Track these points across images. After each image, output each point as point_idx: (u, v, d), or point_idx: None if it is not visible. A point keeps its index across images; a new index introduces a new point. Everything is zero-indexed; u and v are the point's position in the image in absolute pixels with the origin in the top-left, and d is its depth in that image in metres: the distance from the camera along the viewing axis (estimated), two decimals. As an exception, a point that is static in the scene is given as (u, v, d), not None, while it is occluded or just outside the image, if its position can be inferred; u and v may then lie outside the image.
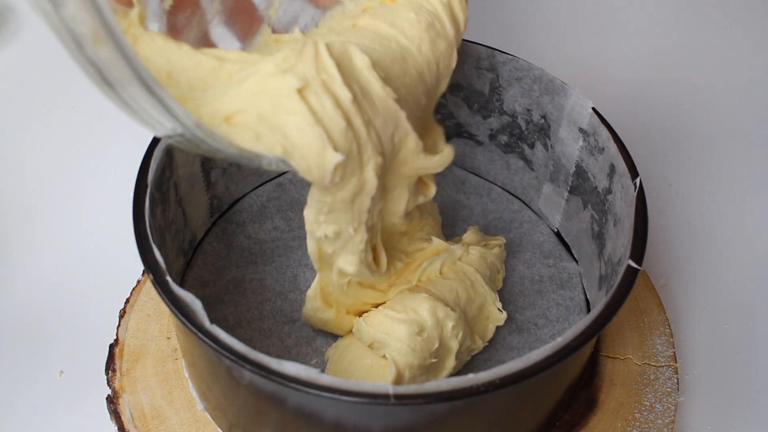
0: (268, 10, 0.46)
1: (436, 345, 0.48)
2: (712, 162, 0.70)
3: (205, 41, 0.44)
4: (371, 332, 0.48)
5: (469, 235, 0.56)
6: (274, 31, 0.46)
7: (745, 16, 0.85)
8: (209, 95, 0.37)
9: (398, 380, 0.46)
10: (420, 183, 0.47)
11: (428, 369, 0.48)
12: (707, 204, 0.67)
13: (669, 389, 0.51)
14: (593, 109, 0.51)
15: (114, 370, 0.51)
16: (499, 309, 0.52)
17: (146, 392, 0.50)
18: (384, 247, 0.48)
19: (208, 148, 0.35)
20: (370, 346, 0.49)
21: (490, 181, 0.63)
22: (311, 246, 0.46)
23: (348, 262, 0.46)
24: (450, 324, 0.48)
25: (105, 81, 0.30)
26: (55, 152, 0.68)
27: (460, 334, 0.49)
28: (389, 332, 0.48)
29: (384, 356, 0.49)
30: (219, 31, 0.45)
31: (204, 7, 0.44)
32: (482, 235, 0.56)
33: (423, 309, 0.48)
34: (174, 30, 0.41)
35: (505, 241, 0.56)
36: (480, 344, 0.52)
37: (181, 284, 0.54)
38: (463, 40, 0.55)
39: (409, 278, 0.51)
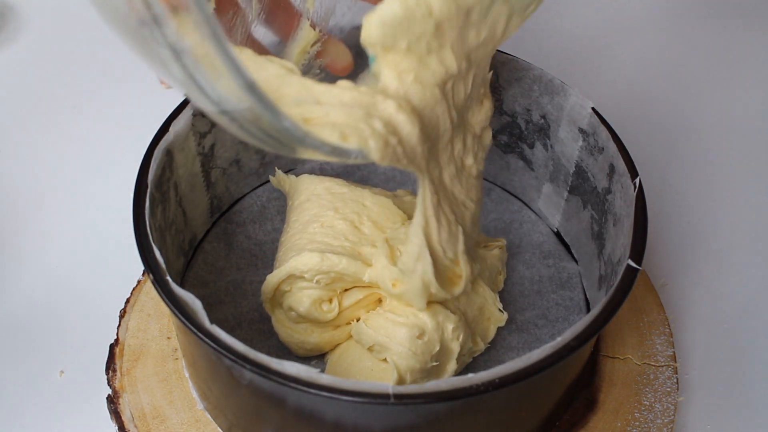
0: (304, 4, 0.46)
1: (437, 348, 0.48)
2: (712, 162, 0.70)
3: (250, 43, 0.44)
4: (372, 335, 0.48)
5: None
6: (312, 25, 0.46)
7: (745, 16, 0.85)
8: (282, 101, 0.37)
9: (400, 384, 0.46)
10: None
11: (430, 372, 0.48)
12: (707, 204, 0.67)
13: (669, 389, 0.51)
14: (593, 109, 0.51)
15: (114, 370, 0.51)
16: (499, 309, 0.52)
17: (146, 392, 0.50)
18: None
19: (277, 130, 0.33)
20: (370, 349, 0.49)
21: (490, 182, 0.63)
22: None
23: (297, 301, 0.49)
24: (450, 326, 0.48)
25: (175, 51, 0.29)
26: (55, 152, 0.68)
27: (461, 336, 0.49)
28: (390, 335, 0.48)
29: (384, 359, 0.49)
30: (260, 31, 0.45)
31: (244, 8, 0.44)
32: (483, 237, 0.56)
33: (423, 312, 0.48)
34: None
35: (505, 242, 0.56)
36: (481, 346, 0.52)
37: (181, 284, 0.54)
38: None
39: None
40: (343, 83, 0.38)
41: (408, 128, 0.38)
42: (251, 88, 0.30)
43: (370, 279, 0.49)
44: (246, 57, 0.39)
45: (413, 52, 0.38)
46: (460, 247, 0.49)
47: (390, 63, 0.39)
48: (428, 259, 0.45)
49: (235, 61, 0.28)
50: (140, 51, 0.30)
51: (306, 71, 0.47)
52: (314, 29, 0.47)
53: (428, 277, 0.45)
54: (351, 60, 0.47)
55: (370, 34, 0.37)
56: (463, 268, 0.49)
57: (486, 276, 0.53)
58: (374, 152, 0.36)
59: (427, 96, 0.40)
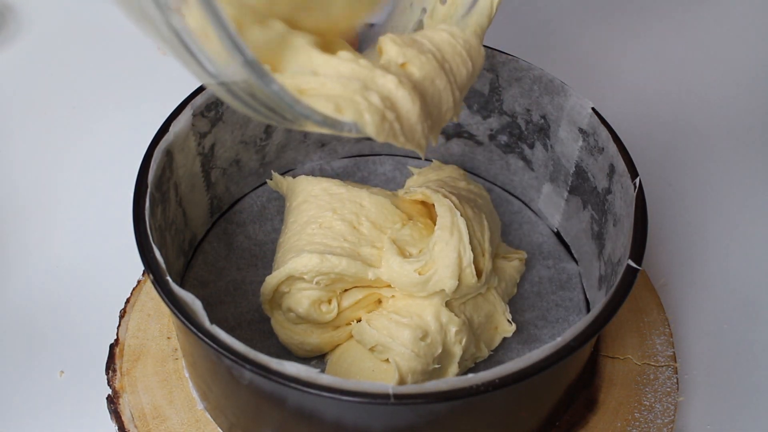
0: None
1: (440, 350, 0.48)
2: (712, 162, 0.70)
3: None
4: (374, 335, 0.48)
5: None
6: None
7: (745, 16, 0.85)
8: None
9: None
10: None
11: (431, 375, 0.48)
12: (707, 204, 0.67)
13: (669, 389, 0.51)
14: (593, 109, 0.51)
15: (114, 370, 0.51)
16: (509, 320, 0.52)
17: (146, 392, 0.50)
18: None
19: (268, 96, 0.33)
20: (372, 350, 0.49)
21: (490, 181, 0.63)
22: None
23: (296, 302, 0.49)
24: (453, 329, 0.48)
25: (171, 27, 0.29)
26: (55, 152, 0.68)
27: (464, 340, 0.49)
28: (393, 336, 0.48)
29: (386, 360, 0.49)
30: None
31: None
32: (504, 247, 0.56)
33: (427, 313, 0.48)
34: None
35: (525, 255, 0.56)
36: (485, 352, 0.52)
37: (181, 284, 0.54)
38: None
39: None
40: (344, 54, 0.38)
41: (408, 105, 0.37)
42: (237, 47, 0.29)
43: (375, 277, 0.49)
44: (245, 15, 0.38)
45: None
46: (486, 235, 0.50)
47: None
48: (464, 231, 0.47)
49: (233, 37, 0.28)
50: (134, 15, 0.30)
51: None
52: None
53: (465, 248, 0.47)
54: (355, 42, 0.46)
55: None
56: (486, 262, 0.49)
57: (502, 287, 0.53)
58: (369, 126, 0.36)
59: (426, 67, 0.39)
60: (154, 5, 0.28)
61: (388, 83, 0.37)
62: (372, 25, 0.46)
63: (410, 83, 0.38)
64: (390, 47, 0.39)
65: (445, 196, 0.51)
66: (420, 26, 0.46)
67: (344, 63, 0.37)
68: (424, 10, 0.46)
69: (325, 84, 0.36)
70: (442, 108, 0.41)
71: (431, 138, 0.40)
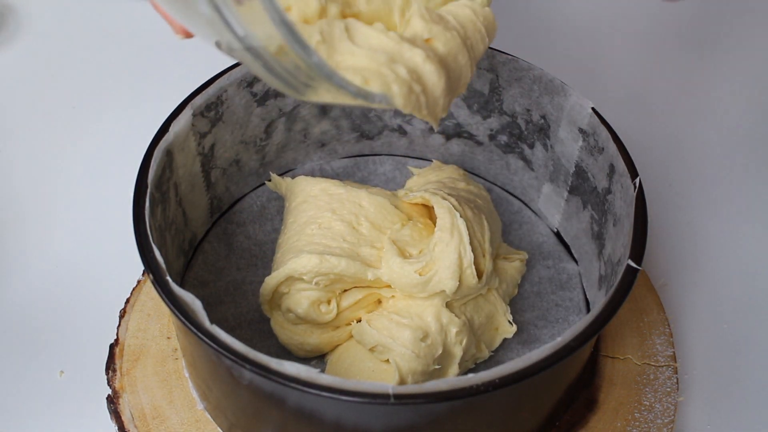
0: None
1: (440, 351, 0.48)
2: (712, 162, 0.70)
3: None
4: (375, 335, 0.48)
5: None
6: None
7: (744, 16, 0.85)
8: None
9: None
10: None
11: (431, 375, 0.48)
12: (707, 204, 0.67)
13: (669, 389, 0.51)
14: (593, 109, 0.51)
15: (114, 370, 0.51)
16: (509, 321, 0.52)
17: (146, 392, 0.50)
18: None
19: (305, 63, 0.32)
20: (372, 350, 0.49)
21: (490, 181, 0.63)
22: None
23: (296, 302, 0.49)
24: (454, 330, 0.48)
25: None
26: (55, 152, 0.68)
27: (464, 341, 0.49)
28: (394, 336, 0.48)
29: (386, 360, 0.49)
30: None
31: None
32: (505, 247, 0.56)
33: (428, 314, 0.48)
34: None
35: (527, 256, 0.56)
36: (486, 353, 0.52)
37: (181, 284, 0.54)
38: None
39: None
40: (378, 25, 0.38)
41: (434, 79, 0.38)
42: (284, 23, 0.29)
43: (375, 278, 0.49)
44: None
45: None
46: (487, 236, 0.50)
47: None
48: (464, 232, 0.47)
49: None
50: None
51: None
52: None
53: (465, 249, 0.46)
54: None
55: None
56: (487, 262, 0.49)
57: (503, 288, 0.53)
58: (398, 98, 0.36)
59: (451, 44, 0.40)
60: None
61: (416, 57, 0.37)
62: None
63: (436, 57, 0.38)
64: (417, 22, 0.40)
65: (444, 198, 0.51)
66: None
67: (374, 35, 0.37)
68: None
69: (355, 54, 0.36)
70: (461, 82, 0.41)
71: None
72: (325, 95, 0.35)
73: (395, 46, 0.37)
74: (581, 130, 0.53)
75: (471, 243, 0.48)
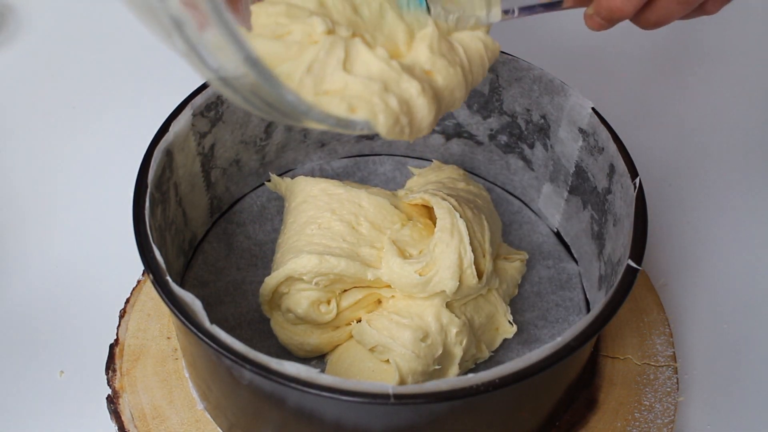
0: None
1: (440, 351, 0.48)
2: (712, 162, 0.70)
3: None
4: (375, 336, 0.48)
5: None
6: None
7: (744, 16, 0.85)
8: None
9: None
10: None
11: (431, 376, 0.48)
12: (707, 204, 0.67)
13: (669, 389, 0.51)
14: (593, 109, 0.51)
15: (114, 370, 0.51)
16: (509, 322, 0.52)
17: (146, 392, 0.50)
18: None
19: (278, 100, 0.33)
20: (372, 350, 0.49)
21: (490, 181, 0.63)
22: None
23: (296, 302, 0.50)
24: (454, 330, 0.48)
25: (176, 22, 0.29)
26: (55, 152, 0.68)
27: (465, 341, 0.49)
28: (394, 337, 0.48)
29: (386, 360, 0.49)
30: None
31: None
32: (505, 247, 0.56)
33: (428, 314, 0.48)
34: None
35: (527, 256, 0.56)
36: (486, 353, 0.52)
37: (181, 284, 0.54)
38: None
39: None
40: (381, 51, 0.38)
41: (424, 112, 0.38)
42: (252, 61, 0.29)
43: (374, 278, 0.49)
44: (267, 15, 0.38)
45: None
46: (487, 236, 0.50)
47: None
48: (465, 232, 0.47)
49: (235, 34, 0.28)
50: (144, 18, 0.30)
51: None
52: None
53: (465, 249, 0.47)
54: None
55: None
56: (487, 263, 0.49)
57: (503, 288, 0.53)
58: (381, 127, 0.36)
59: (451, 80, 0.40)
60: (165, 12, 0.28)
61: (411, 89, 0.37)
62: None
63: (431, 91, 0.39)
64: (424, 51, 0.39)
65: (444, 199, 0.51)
66: None
67: (374, 62, 0.37)
68: None
69: (349, 85, 0.36)
70: (451, 108, 0.41)
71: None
72: (308, 122, 0.35)
73: (393, 75, 0.37)
74: (581, 130, 0.53)
75: (471, 243, 0.48)
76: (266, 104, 0.33)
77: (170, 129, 0.49)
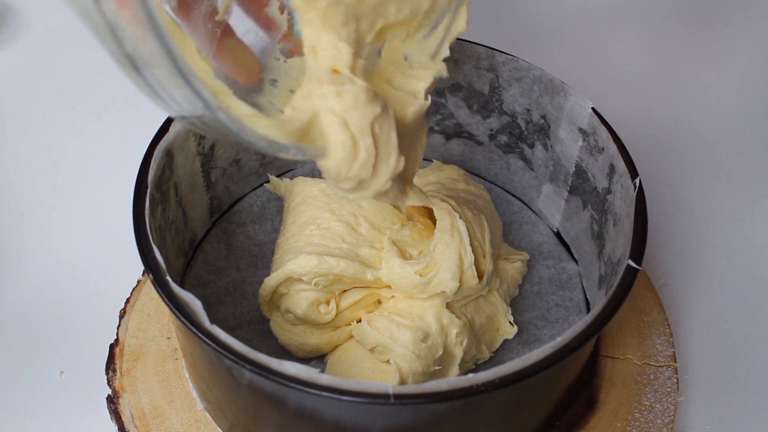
0: None
1: (440, 352, 0.48)
2: (712, 162, 0.70)
3: (215, 18, 0.43)
4: (375, 336, 0.48)
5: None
6: (281, 8, 0.45)
7: (744, 16, 0.85)
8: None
9: None
10: None
11: (432, 376, 0.48)
12: (707, 204, 0.67)
13: (669, 389, 0.51)
14: (593, 109, 0.51)
15: (114, 370, 0.51)
16: (510, 322, 0.52)
17: (146, 392, 0.50)
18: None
19: (224, 131, 0.34)
20: (372, 350, 0.49)
21: (490, 181, 0.63)
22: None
23: (295, 303, 0.50)
24: (455, 331, 0.48)
25: (131, 62, 0.29)
26: (55, 152, 0.68)
27: (465, 342, 0.49)
28: (394, 337, 0.48)
29: (386, 361, 0.49)
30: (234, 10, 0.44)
31: None
32: (506, 248, 0.56)
33: (428, 315, 0.48)
34: (185, 5, 0.40)
35: (528, 256, 0.56)
36: (486, 354, 0.52)
37: (181, 284, 0.54)
38: (463, 40, 0.55)
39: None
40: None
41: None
42: (186, 77, 0.30)
43: (374, 278, 0.49)
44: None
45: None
46: (487, 236, 0.50)
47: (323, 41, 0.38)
48: (465, 233, 0.47)
49: (174, 55, 0.29)
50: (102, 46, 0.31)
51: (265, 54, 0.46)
52: (282, 12, 0.46)
53: (466, 250, 0.47)
54: None
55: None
56: (487, 263, 0.49)
57: (504, 289, 0.53)
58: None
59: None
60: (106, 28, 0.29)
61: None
62: None
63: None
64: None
65: (443, 200, 0.51)
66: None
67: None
68: None
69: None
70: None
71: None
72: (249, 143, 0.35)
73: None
74: (581, 130, 0.53)
75: (471, 244, 0.48)
76: (206, 125, 0.33)
77: (170, 129, 0.49)
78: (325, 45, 0.37)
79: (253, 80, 0.43)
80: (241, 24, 0.43)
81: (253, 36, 0.44)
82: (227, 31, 0.42)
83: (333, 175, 0.38)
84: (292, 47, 0.46)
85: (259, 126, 0.35)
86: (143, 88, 0.31)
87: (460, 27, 0.42)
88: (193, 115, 0.32)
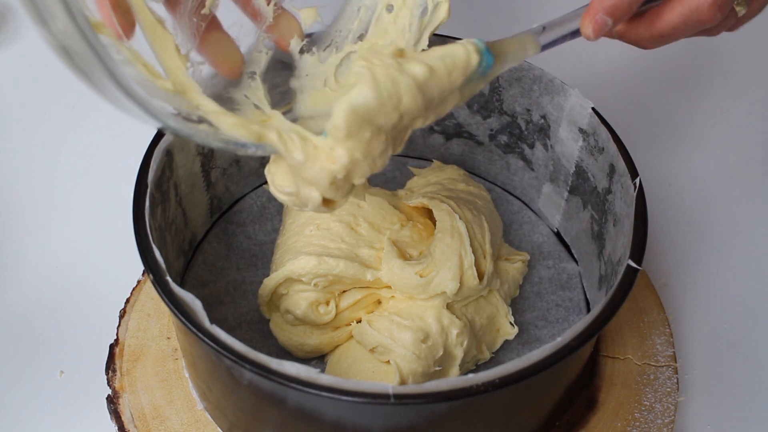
0: None
1: (441, 352, 0.48)
2: (713, 162, 0.70)
3: (202, 11, 0.43)
4: (376, 336, 0.48)
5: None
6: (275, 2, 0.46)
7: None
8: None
9: None
10: None
11: (432, 377, 0.48)
12: (707, 204, 0.67)
13: (669, 389, 0.51)
14: (593, 109, 0.51)
15: (114, 370, 0.51)
16: (511, 323, 0.52)
17: (146, 392, 0.50)
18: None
19: (191, 139, 0.36)
20: (372, 351, 0.49)
21: (490, 181, 0.63)
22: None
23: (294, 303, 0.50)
24: (455, 331, 0.48)
25: (94, 85, 0.31)
26: (55, 152, 0.68)
27: (465, 343, 0.49)
28: (394, 338, 0.47)
29: (387, 361, 0.49)
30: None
31: None
32: (507, 248, 0.56)
33: (428, 315, 0.48)
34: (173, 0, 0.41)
35: (528, 257, 0.56)
36: (487, 354, 0.52)
37: (181, 284, 0.54)
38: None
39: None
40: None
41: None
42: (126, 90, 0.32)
43: (374, 278, 0.49)
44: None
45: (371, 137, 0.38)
46: (487, 237, 0.50)
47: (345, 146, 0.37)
48: (465, 233, 0.47)
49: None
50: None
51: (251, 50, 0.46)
52: (268, 3, 0.46)
53: (466, 250, 0.47)
54: (302, 35, 0.46)
55: (338, 123, 0.35)
56: (488, 264, 0.49)
57: (504, 289, 0.53)
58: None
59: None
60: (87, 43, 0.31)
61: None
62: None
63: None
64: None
65: (443, 201, 0.51)
66: (366, 30, 0.46)
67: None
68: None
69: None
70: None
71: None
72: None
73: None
74: (581, 130, 0.53)
75: (471, 244, 0.48)
76: (177, 132, 0.35)
77: (170, 129, 0.49)
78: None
79: (236, 73, 0.44)
80: (226, 17, 0.44)
81: (237, 29, 0.44)
82: (213, 23, 0.43)
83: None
84: (277, 38, 0.46)
85: (224, 123, 0.36)
86: (119, 107, 0.33)
87: (441, 16, 0.43)
88: (165, 125, 0.34)
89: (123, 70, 0.31)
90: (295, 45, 0.45)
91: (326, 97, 0.44)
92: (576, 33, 0.41)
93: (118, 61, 0.31)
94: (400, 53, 0.37)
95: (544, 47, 0.41)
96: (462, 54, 0.37)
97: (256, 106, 0.42)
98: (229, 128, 0.36)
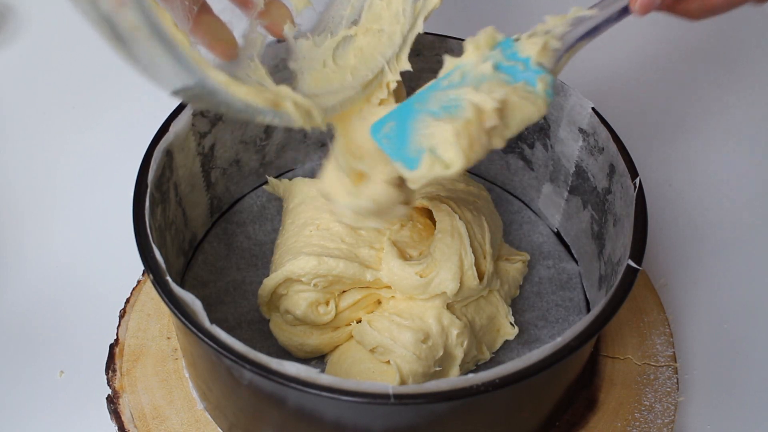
0: None
1: (441, 353, 0.48)
2: (712, 162, 0.70)
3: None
4: (376, 336, 0.48)
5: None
6: None
7: (744, 15, 0.85)
8: None
9: None
10: None
11: (432, 377, 0.48)
12: (707, 204, 0.67)
13: (669, 389, 0.51)
14: (593, 109, 0.51)
15: (114, 370, 0.51)
16: (511, 323, 0.52)
17: (146, 392, 0.50)
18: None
19: (213, 101, 0.35)
20: (372, 351, 0.49)
21: (490, 181, 0.63)
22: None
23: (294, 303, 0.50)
24: (455, 332, 0.48)
25: (117, 37, 0.30)
26: (55, 152, 0.68)
27: (465, 343, 0.49)
28: (395, 338, 0.47)
29: (387, 362, 0.49)
30: None
31: None
32: (507, 248, 0.56)
33: (429, 315, 0.48)
34: None
35: (528, 257, 0.56)
36: (487, 355, 0.52)
37: (181, 284, 0.54)
38: (462, 39, 0.55)
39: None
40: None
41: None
42: (171, 47, 0.31)
43: (373, 278, 0.49)
44: None
45: None
46: (487, 237, 0.50)
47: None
48: (465, 233, 0.47)
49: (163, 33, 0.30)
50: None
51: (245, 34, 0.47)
52: None
53: (466, 250, 0.47)
54: (292, 20, 0.47)
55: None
56: (488, 264, 0.49)
57: (504, 289, 0.53)
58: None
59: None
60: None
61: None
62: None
63: None
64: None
65: (443, 201, 0.51)
66: (359, 16, 0.47)
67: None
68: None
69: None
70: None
71: None
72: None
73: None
74: (581, 130, 0.53)
75: (471, 245, 0.48)
76: (194, 95, 0.34)
77: (170, 129, 0.49)
78: None
79: (230, 54, 0.44)
80: (216, 3, 0.44)
81: (229, 14, 0.44)
82: (204, 7, 0.43)
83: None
84: (268, 25, 0.46)
85: (237, 92, 0.36)
86: (132, 63, 0.31)
87: (433, 2, 0.43)
88: (185, 87, 0.33)
89: (162, 21, 0.31)
90: (288, 31, 0.46)
91: (328, 77, 0.44)
92: (624, 11, 0.43)
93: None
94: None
95: (589, 33, 0.43)
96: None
97: (261, 84, 0.42)
98: (244, 96, 0.35)
